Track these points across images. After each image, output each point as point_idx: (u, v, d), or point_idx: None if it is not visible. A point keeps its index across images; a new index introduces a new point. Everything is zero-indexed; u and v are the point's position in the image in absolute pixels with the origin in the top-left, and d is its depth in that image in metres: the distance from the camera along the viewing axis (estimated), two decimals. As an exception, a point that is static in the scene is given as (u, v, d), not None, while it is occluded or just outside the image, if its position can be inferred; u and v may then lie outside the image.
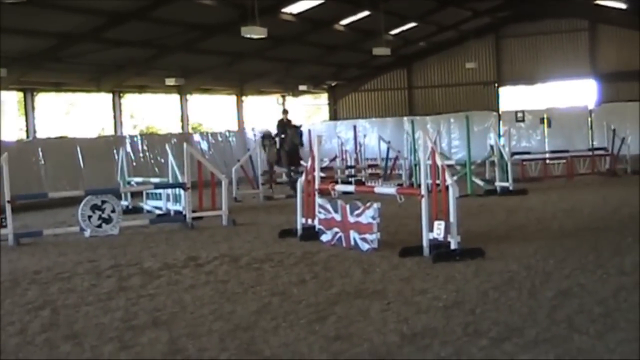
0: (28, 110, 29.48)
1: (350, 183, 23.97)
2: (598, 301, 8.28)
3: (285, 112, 27.34)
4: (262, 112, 44.47)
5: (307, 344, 7.19)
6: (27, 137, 28.79)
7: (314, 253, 12.51)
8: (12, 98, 29.98)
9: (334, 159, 30.96)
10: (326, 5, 30.02)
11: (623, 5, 31.42)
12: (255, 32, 24.85)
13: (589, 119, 40.51)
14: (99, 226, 16.38)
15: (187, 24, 27.78)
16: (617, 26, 40.34)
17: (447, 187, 11.57)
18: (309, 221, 14.36)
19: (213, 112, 42.28)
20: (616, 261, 10.53)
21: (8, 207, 15.72)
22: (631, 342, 6.74)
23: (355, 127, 33.69)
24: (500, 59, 43.55)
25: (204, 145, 35.25)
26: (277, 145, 26.21)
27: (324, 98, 47.77)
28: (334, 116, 46.66)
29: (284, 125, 26.36)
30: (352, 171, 28.38)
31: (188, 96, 37.03)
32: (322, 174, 23.73)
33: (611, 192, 20.97)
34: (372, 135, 36.95)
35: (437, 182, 12.05)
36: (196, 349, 7.18)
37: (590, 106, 41.26)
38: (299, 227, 14.55)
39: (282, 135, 26.07)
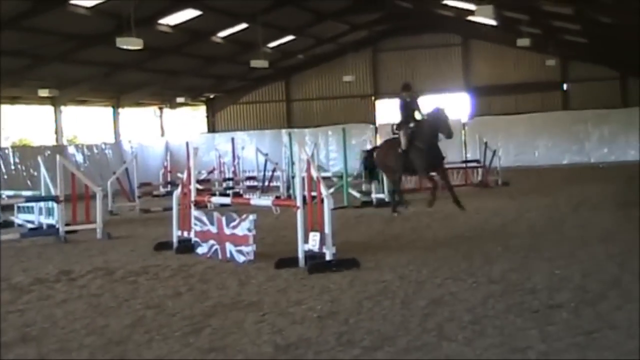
0: None
1: (227, 195, 23.88)
2: (467, 309, 8.48)
3: (407, 87, 19.24)
4: (140, 123, 43.95)
5: (181, 357, 7.13)
6: None
7: (190, 265, 12.42)
8: None
9: (211, 171, 30.81)
10: (204, 17, 29.92)
11: (494, 22, 32.35)
12: (131, 43, 24.60)
13: (463, 132, 41.56)
14: (-33, 241, 15.87)
15: (63, 33, 27.25)
16: (488, 42, 41.58)
17: (322, 199, 11.65)
18: (186, 234, 14.26)
19: (89, 124, 41.52)
20: (486, 270, 10.81)
21: None
22: (497, 347, 6.93)
23: (233, 140, 33.60)
24: (377, 72, 44.25)
25: (79, 158, 34.60)
26: (403, 143, 18.60)
27: (202, 110, 47.52)
28: (212, 128, 46.48)
29: (411, 108, 18.88)
30: (230, 183, 28.31)
31: (63, 107, 36.24)
32: (200, 187, 23.65)
33: (483, 203, 21.52)
34: (250, 148, 36.91)
35: (313, 194, 12.13)
36: (66, 365, 7.04)
37: (464, 119, 42.33)
38: (175, 239, 14.43)
39: (411, 125, 18.63)
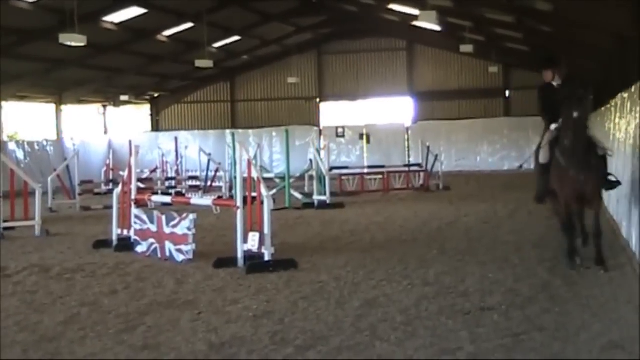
0: None
1: (169, 194, 23.80)
2: (401, 310, 8.62)
3: (551, 62, 12.08)
4: (83, 121, 43.56)
5: (114, 354, 7.17)
6: None
7: (127, 264, 12.41)
8: None
9: (154, 170, 30.71)
10: (149, 15, 29.77)
11: (438, 28, 32.70)
12: (74, 40, 24.38)
13: (406, 136, 41.95)
14: None
15: (3, 28, 26.87)
16: (433, 47, 42.00)
17: (262, 200, 11.72)
18: (126, 232, 14.22)
19: (31, 120, 41.06)
20: (421, 272, 10.97)
21: None
22: (428, 348, 7.08)
23: (176, 139, 33.51)
24: (322, 75, 44.36)
25: (20, 154, 34.18)
26: (543, 155, 11.83)
27: (146, 108, 47.24)
28: (156, 127, 46.24)
29: (555, 96, 11.47)
30: (173, 183, 28.25)
31: (3, 103, 35.77)
32: (142, 185, 23.58)
33: (423, 207, 21.73)
34: (193, 147, 36.79)
35: (254, 194, 12.20)
36: (-2, 361, 7.02)
37: (407, 123, 42.70)
38: (114, 237, 14.37)
39: (554, 126, 11.49)
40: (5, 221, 17.03)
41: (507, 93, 42.61)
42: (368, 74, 43.60)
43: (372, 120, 43.22)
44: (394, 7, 32.61)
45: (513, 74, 42.03)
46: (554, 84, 11.86)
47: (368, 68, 43.67)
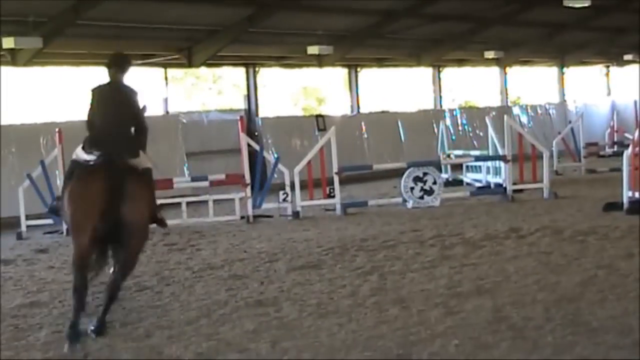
0: (352, 85, 30.58)
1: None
2: None
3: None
4: (585, 83, 43.13)
5: (636, 318, 6.98)
6: (352, 111, 29.84)
7: (642, 227, 12.03)
8: (339, 74, 31.08)
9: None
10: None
11: None
12: (578, 1, 24.20)
13: None
14: (421, 197, 16.84)
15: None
16: None
17: None
18: (637, 194, 13.80)
19: (532, 84, 41.57)
20: None
21: (336, 179, 16.64)
22: None
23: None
24: None
25: (523, 119, 34.89)
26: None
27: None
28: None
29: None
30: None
31: (507, 69, 36.69)
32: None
33: None
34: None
35: None
36: (520, 318, 7.21)
37: None
38: (625, 200, 14.04)
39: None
40: (514, 183, 17.51)
41: None
42: None
43: None
44: None
45: None
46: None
47: None
